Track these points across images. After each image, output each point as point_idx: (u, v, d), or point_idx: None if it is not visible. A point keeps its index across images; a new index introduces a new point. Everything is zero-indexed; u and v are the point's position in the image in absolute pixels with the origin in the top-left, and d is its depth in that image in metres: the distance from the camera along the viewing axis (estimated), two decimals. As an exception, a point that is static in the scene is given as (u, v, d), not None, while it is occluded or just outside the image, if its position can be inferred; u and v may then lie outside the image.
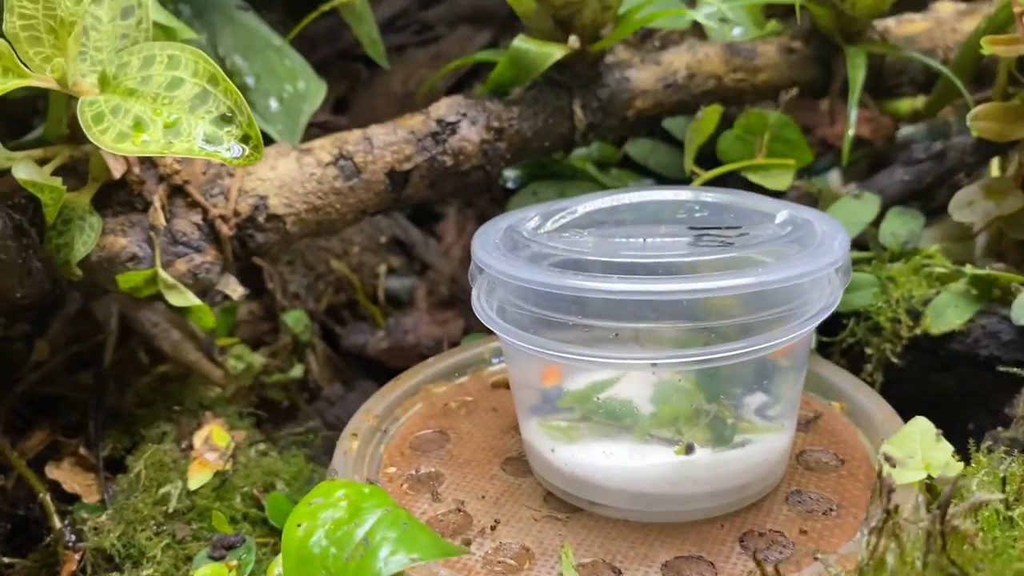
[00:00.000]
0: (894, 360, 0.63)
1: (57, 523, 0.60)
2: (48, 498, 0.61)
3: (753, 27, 0.83)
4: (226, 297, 0.61)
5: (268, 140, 0.67)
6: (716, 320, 0.44)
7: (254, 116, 0.52)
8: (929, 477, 0.47)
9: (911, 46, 0.81)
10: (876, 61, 0.79)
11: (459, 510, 0.49)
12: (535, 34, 0.68)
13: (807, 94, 0.82)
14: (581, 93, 0.70)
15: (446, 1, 1.05)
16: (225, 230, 0.59)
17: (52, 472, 0.63)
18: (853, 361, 0.65)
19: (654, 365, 0.44)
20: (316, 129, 0.81)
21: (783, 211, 0.50)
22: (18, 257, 0.57)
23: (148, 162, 0.59)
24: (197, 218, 0.59)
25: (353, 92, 0.95)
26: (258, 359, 0.78)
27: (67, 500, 0.62)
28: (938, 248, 0.69)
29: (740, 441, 0.48)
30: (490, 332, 0.50)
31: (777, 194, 0.72)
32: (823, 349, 0.66)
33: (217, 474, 0.59)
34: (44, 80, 0.49)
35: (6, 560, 0.62)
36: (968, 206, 0.68)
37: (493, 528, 0.48)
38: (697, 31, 0.82)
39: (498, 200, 0.87)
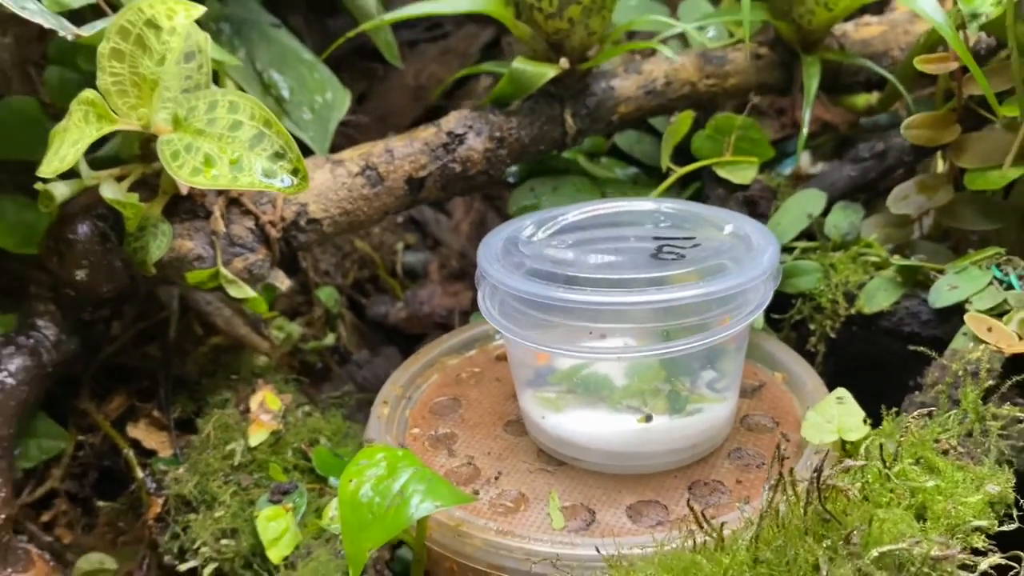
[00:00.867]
0: (832, 335, 0.75)
1: (139, 473, 0.73)
2: (131, 453, 0.74)
3: (726, 31, 0.93)
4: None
5: (302, 146, 0.78)
6: (673, 321, 0.56)
7: (290, 124, 0.62)
8: (842, 439, 0.60)
9: (866, 49, 0.91)
10: (834, 64, 0.89)
11: (470, 464, 0.62)
12: (530, 54, 0.79)
13: (774, 94, 0.93)
14: (571, 103, 0.81)
15: None
16: (273, 233, 0.71)
17: (132, 431, 0.77)
18: (800, 334, 0.78)
19: (619, 359, 0.56)
20: (339, 126, 0.92)
21: (729, 224, 0.62)
22: (103, 259, 0.69)
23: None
24: (250, 224, 0.71)
25: (372, 88, 1.06)
26: (296, 329, 0.90)
27: (145, 455, 0.76)
28: (879, 235, 0.80)
29: (692, 410, 0.60)
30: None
31: (742, 187, 0.84)
32: (775, 324, 0.78)
33: (272, 433, 0.72)
34: (131, 124, 0.61)
35: (100, 503, 0.76)
36: (904, 199, 0.80)
37: (496, 478, 0.60)
38: (679, 37, 0.93)
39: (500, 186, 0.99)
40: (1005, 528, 0.51)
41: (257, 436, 0.71)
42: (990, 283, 0.70)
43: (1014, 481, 0.54)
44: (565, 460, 0.61)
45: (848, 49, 0.90)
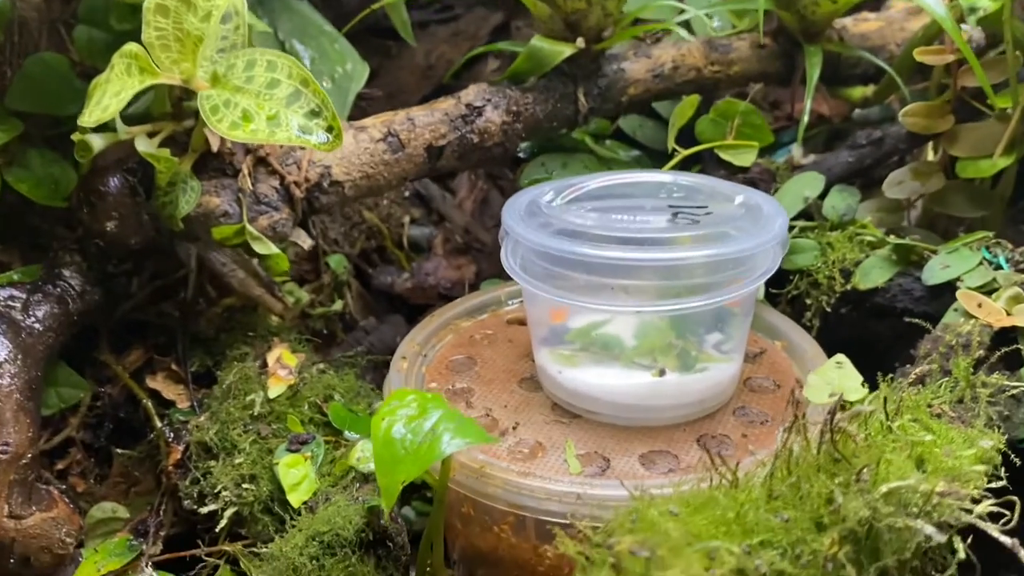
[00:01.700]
0: (828, 309, 0.79)
1: (158, 423, 0.75)
2: (150, 403, 0.76)
3: (730, 21, 0.97)
4: (295, 245, 0.76)
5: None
6: (686, 280, 0.59)
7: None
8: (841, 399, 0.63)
9: (864, 43, 0.95)
10: (833, 56, 0.93)
11: (487, 415, 0.65)
12: (547, 33, 0.82)
13: (775, 83, 0.96)
14: (584, 82, 0.84)
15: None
16: (298, 193, 0.73)
17: (151, 383, 0.78)
18: (796, 309, 0.81)
19: (638, 312, 0.59)
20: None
21: (740, 195, 0.66)
22: (132, 212, 0.71)
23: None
24: (276, 183, 0.73)
25: (382, 65, 1.09)
26: (304, 294, 0.93)
27: (163, 406, 0.78)
28: (872, 219, 0.84)
29: (700, 368, 0.63)
30: (503, 278, 0.64)
31: (742, 170, 0.87)
32: (773, 299, 0.81)
33: (289, 387, 0.74)
34: (173, 79, 0.63)
35: (117, 450, 0.78)
36: (898, 185, 0.84)
37: (514, 428, 0.63)
38: (684, 25, 0.96)
39: (508, 165, 1.02)
40: (992, 485, 0.54)
41: (276, 389, 0.73)
42: (980, 263, 0.74)
43: (1004, 439, 0.58)
44: (579, 413, 0.64)
45: (847, 42, 0.94)
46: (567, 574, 0.58)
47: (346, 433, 0.72)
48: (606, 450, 0.61)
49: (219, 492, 0.68)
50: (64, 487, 0.77)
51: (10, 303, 0.70)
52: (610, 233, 0.59)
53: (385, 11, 0.95)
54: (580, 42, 0.80)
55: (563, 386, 0.65)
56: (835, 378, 0.66)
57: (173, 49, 0.63)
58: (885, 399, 0.57)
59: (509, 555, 0.61)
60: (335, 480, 0.68)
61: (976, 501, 0.52)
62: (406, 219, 1.04)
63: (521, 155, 0.91)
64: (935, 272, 0.74)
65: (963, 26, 0.79)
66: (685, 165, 0.91)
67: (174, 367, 0.79)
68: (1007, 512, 0.51)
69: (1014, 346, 0.65)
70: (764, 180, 0.87)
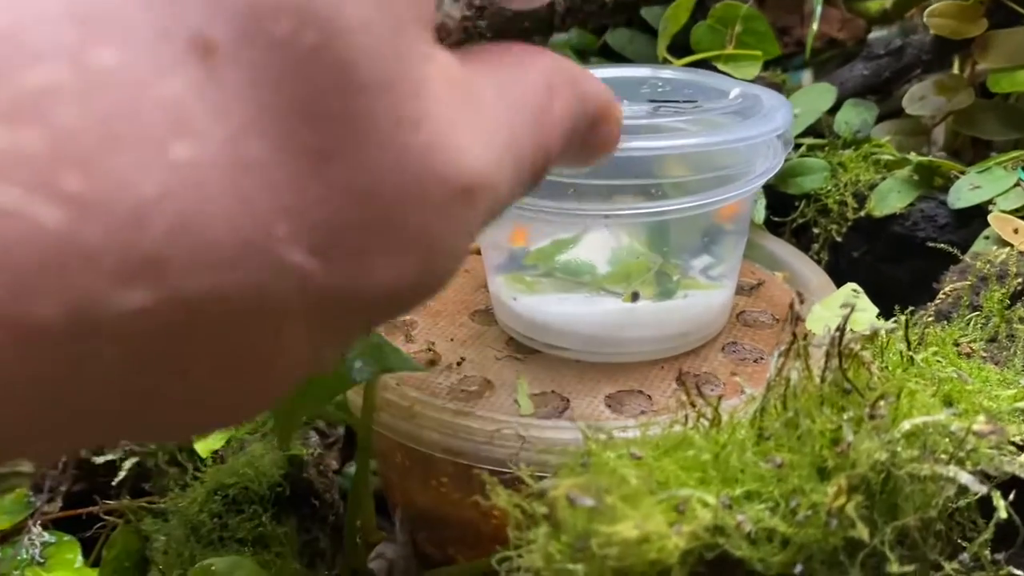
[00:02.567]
0: (839, 239, 0.68)
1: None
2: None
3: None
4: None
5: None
6: (665, 177, 0.48)
7: None
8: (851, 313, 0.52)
9: (883, -53, 0.84)
10: (847, -40, 0.82)
11: (429, 349, 0.55)
12: (518, -82, 0.70)
13: (780, -9, 0.85)
14: (561, -22, 0.73)
15: None
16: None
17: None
18: (803, 242, 0.70)
19: (607, 216, 0.48)
20: None
21: (736, 88, 0.55)
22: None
23: None
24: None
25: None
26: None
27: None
28: (892, 141, 0.73)
29: (682, 295, 0.53)
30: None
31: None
32: (775, 228, 0.71)
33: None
34: None
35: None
36: (920, 100, 0.73)
37: (459, 364, 0.53)
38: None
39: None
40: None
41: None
42: (1016, 184, 0.63)
43: (1050, 380, 0.47)
44: (539, 348, 0.54)
45: (864, -56, 0.82)
46: (517, 537, 0.48)
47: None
48: (566, 389, 0.50)
49: (118, 439, 0.58)
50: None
51: None
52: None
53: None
54: (554, -73, 0.68)
55: (518, 316, 0.54)
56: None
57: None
58: (907, 324, 0.46)
59: (453, 513, 0.51)
60: (256, 427, 0.58)
61: (1020, 448, 0.42)
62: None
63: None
64: (963, 194, 0.64)
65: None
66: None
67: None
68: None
69: (1058, 274, 0.54)
70: (768, 95, 0.76)
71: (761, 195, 0.68)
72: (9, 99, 0.15)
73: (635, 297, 0.51)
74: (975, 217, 0.64)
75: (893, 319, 0.51)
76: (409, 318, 0.58)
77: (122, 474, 0.58)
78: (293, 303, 0.20)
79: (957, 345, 0.53)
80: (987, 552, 0.40)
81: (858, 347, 0.39)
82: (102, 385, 0.17)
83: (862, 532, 0.32)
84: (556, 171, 0.48)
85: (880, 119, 0.76)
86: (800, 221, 0.69)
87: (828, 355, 0.38)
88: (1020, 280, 0.57)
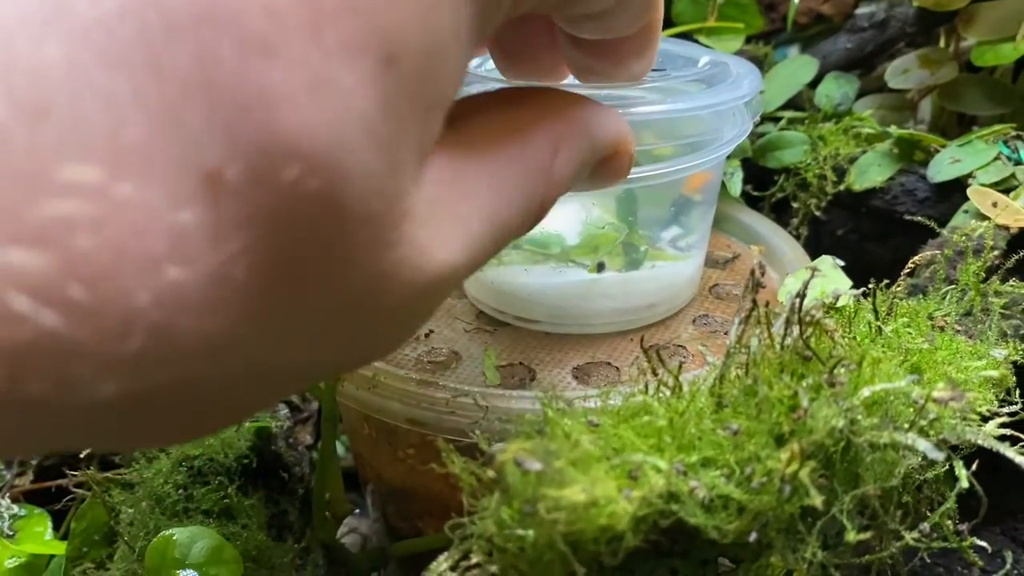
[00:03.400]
0: (817, 214, 0.67)
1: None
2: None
3: None
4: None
5: None
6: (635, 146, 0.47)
7: None
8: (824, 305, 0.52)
9: (869, -82, 0.83)
10: (833, -68, 0.81)
11: (397, 321, 0.54)
12: None
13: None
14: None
15: None
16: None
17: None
18: (781, 217, 0.70)
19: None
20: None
21: (705, 56, 0.54)
22: None
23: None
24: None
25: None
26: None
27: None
28: (874, 115, 0.72)
29: (650, 266, 0.52)
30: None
31: (725, 57, 0.75)
32: (754, 202, 0.70)
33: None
34: None
35: None
36: (903, 74, 0.72)
37: (427, 336, 0.52)
38: None
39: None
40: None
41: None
42: (996, 158, 0.62)
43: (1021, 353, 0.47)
44: (508, 320, 0.53)
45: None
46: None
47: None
48: (533, 360, 0.50)
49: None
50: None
51: None
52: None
53: None
54: None
55: (487, 288, 0.54)
56: (818, 281, 0.54)
57: None
58: (875, 294, 0.45)
59: (420, 485, 0.51)
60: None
61: (986, 419, 0.42)
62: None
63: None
64: (943, 167, 0.63)
65: None
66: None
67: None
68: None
69: (1033, 251, 0.54)
70: (750, 69, 0.75)
71: (738, 167, 0.67)
72: (34, 225, 0.17)
73: (600, 268, 0.50)
74: (955, 191, 0.63)
75: (862, 289, 0.50)
76: (380, 290, 0.58)
77: (90, 447, 0.57)
78: (248, 382, 0.22)
79: (931, 318, 0.52)
80: (950, 523, 0.40)
81: (820, 314, 0.39)
82: (81, 430, 0.20)
83: (815, 499, 0.32)
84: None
85: (863, 93, 0.75)
86: (779, 195, 0.69)
87: (788, 321, 0.38)
88: (996, 253, 0.56)
